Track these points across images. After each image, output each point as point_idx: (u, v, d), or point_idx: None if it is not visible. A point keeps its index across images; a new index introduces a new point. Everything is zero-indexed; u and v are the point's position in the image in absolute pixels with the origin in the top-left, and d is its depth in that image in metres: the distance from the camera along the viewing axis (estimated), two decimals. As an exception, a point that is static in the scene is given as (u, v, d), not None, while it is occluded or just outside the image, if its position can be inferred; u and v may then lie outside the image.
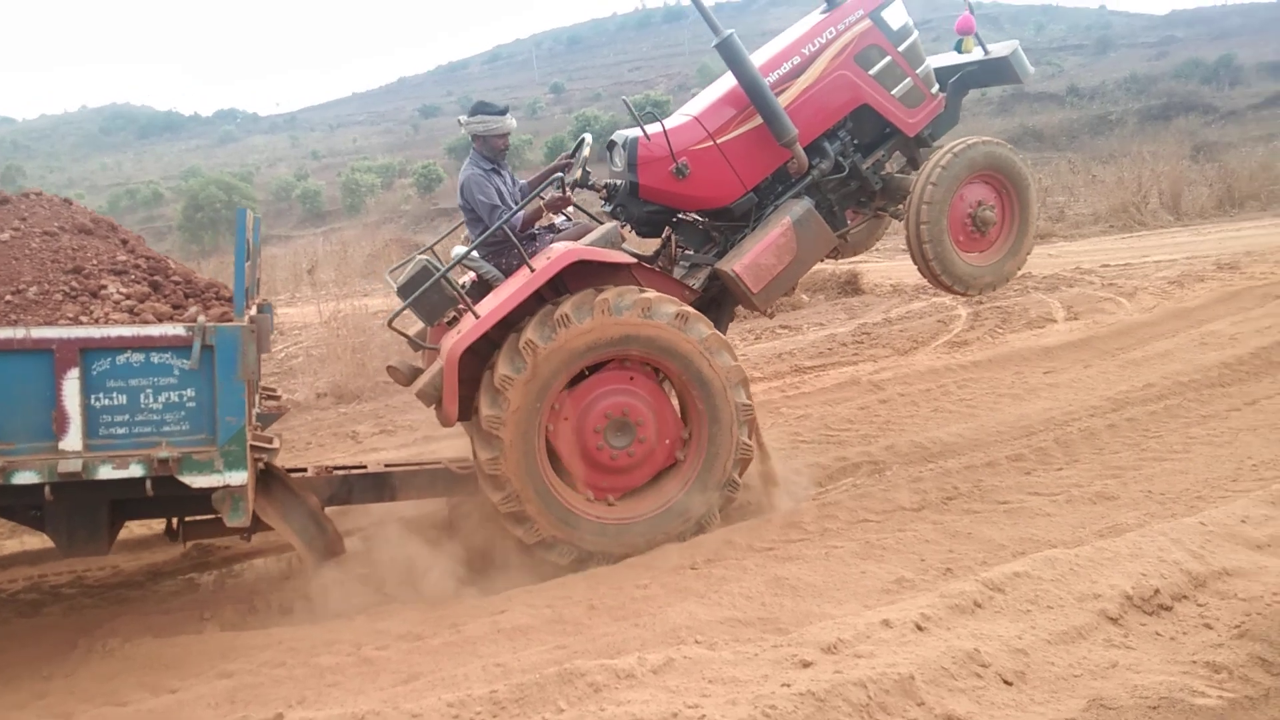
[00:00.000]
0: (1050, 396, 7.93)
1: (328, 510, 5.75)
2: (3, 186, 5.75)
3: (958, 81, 6.94)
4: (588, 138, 6.27)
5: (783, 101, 6.08)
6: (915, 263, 6.50)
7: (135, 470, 4.34)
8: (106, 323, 4.52)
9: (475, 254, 5.80)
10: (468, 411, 5.53)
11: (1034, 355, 9.23)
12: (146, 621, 5.29)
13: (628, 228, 6.33)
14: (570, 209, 6.40)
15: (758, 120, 6.08)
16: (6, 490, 4.25)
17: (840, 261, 12.59)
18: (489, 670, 4.10)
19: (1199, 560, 4.25)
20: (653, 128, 6.00)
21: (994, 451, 6.74)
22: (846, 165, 6.53)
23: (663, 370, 5.70)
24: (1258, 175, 22.15)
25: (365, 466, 6.20)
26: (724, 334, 6.05)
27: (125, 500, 5.02)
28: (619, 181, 6.22)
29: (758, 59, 6.23)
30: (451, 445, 7.19)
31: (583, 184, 6.10)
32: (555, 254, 5.46)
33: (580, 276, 5.56)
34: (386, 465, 6.26)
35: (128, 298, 4.86)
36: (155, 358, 4.37)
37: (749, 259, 5.93)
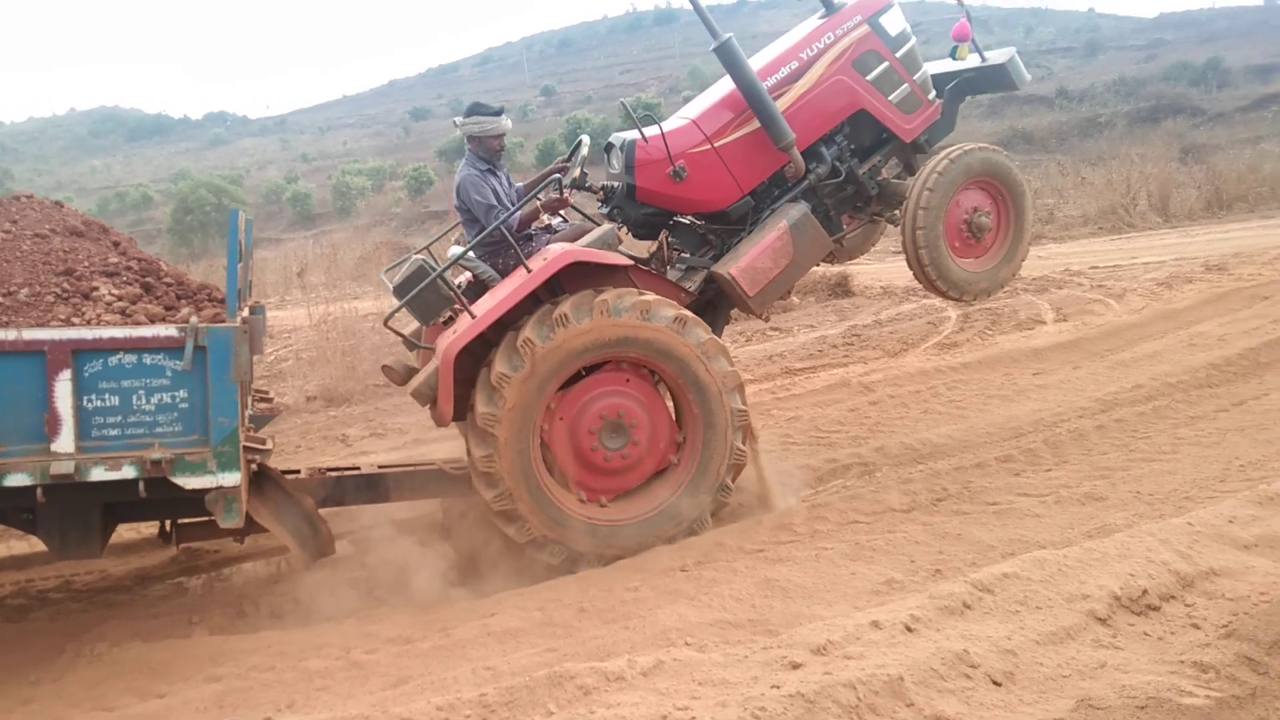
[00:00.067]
0: (1039, 398, 7.96)
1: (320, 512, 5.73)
2: (-10, 189, 5.76)
3: (954, 88, 6.97)
4: (585, 139, 6.28)
5: (780, 106, 6.10)
6: (911, 268, 6.52)
7: (128, 472, 4.33)
8: (98, 324, 4.51)
9: (471, 254, 5.80)
10: (463, 411, 5.53)
11: (1023, 357, 9.25)
12: (134, 626, 5.26)
13: (624, 230, 6.33)
14: (567, 210, 6.41)
15: (755, 124, 6.10)
16: None
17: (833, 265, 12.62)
18: (478, 673, 4.09)
19: (1187, 560, 4.26)
20: (650, 130, 6.02)
21: (983, 453, 6.75)
22: (843, 170, 6.55)
23: (659, 373, 5.70)
24: (1245, 177, 22.28)
25: (358, 468, 6.18)
26: (719, 337, 6.06)
27: (118, 503, 5.00)
28: (616, 183, 6.23)
29: (756, 63, 6.25)
30: (442, 448, 7.19)
31: (580, 185, 6.11)
32: (552, 255, 5.46)
33: (577, 278, 5.57)
34: (380, 467, 6.25)
35: (120, 299, 4.85)
36: (147, 359, 4.37)
37: (745, 262, 5.95)
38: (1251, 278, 11.93)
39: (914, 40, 6.69)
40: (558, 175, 6.14)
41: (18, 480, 4.21)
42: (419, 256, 5.74)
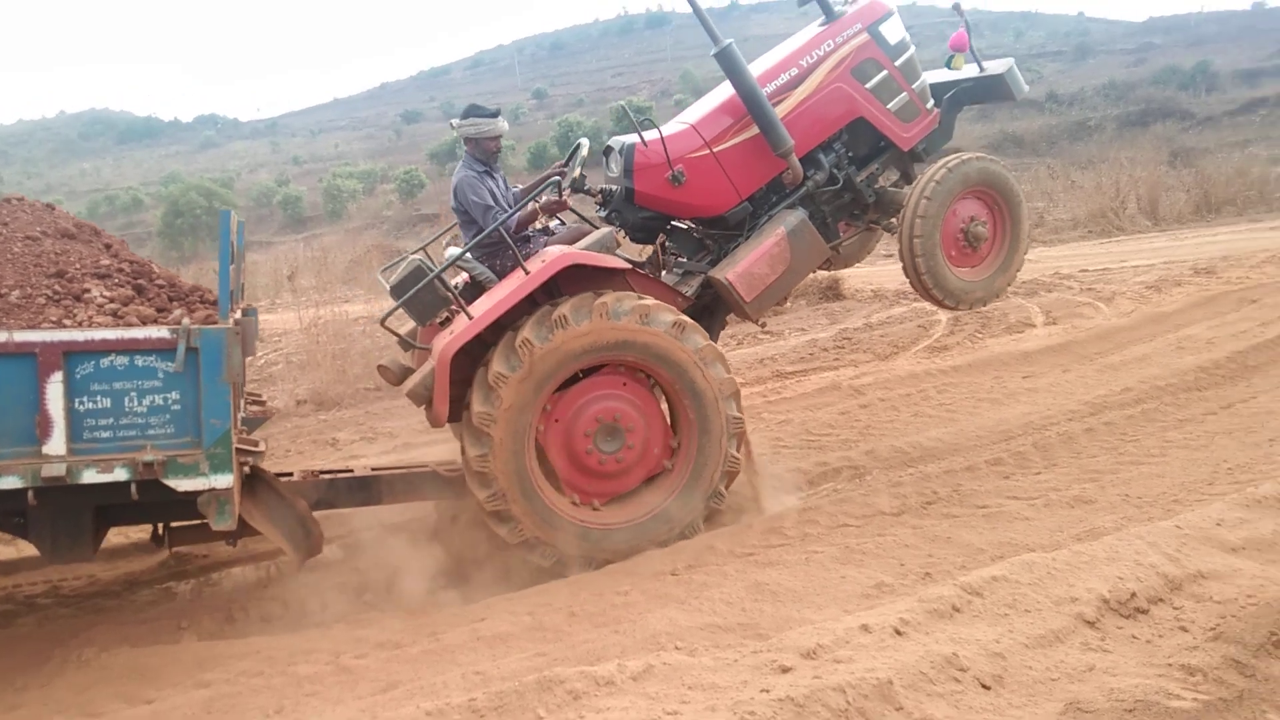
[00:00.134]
0: (1029, 401, 7.98)
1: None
2: (-22, 193, 5.74)
3: (952, 97, 7.00)
4: (584, 142, 6.29)
5: (780, 112, 6.12)
6: (907, 276, 6.55)
7: (120, 474, 4.31)
8: (90, 326, 4.49)
9: (468, 255, 5.80)
10: (458, 413, 5.52)
11: (1013, 360, 9.28)
12: (123, 631, 5.24)
13: (622, 233, 6.34)
14: (565, 212, 6.41)
15: (754, 130, 6.11)
16: None
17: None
18: (468, 678, 4.09)
19: (1175, 563, 4.28)
20: (650, 134, 6.03)
21: (973, 456, 6.77)
22: (841, 177, 6.57)
23: (655, 378, 5.71)
24: (1234, 181, 22.37)
25: (351, 470, 6.17)
26: (715, 342, 6.07)
27: (110, 506, 4.98)
28: (614, 187, 6.24)
29: (755, 69, 6.27)
30: (432, 452, 7.19)
31: (578, 188, 6.12)
32: (550, 257, 5.47)
33: (574, 280, 5.57)
34: (372, 469, 6.23)
35: (111, 301, 4.84)
36: (139, 360, 4.35)
37: (742, 267, 5.96)
38: (1240, 281, 11.99)
39: (913, 49, 6.72)
40: (557, 178, 6.14)
41: (9, 483, 4.18)
42: (416, 256, 5.74)
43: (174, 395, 4.39)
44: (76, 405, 4.28)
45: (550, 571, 5.50)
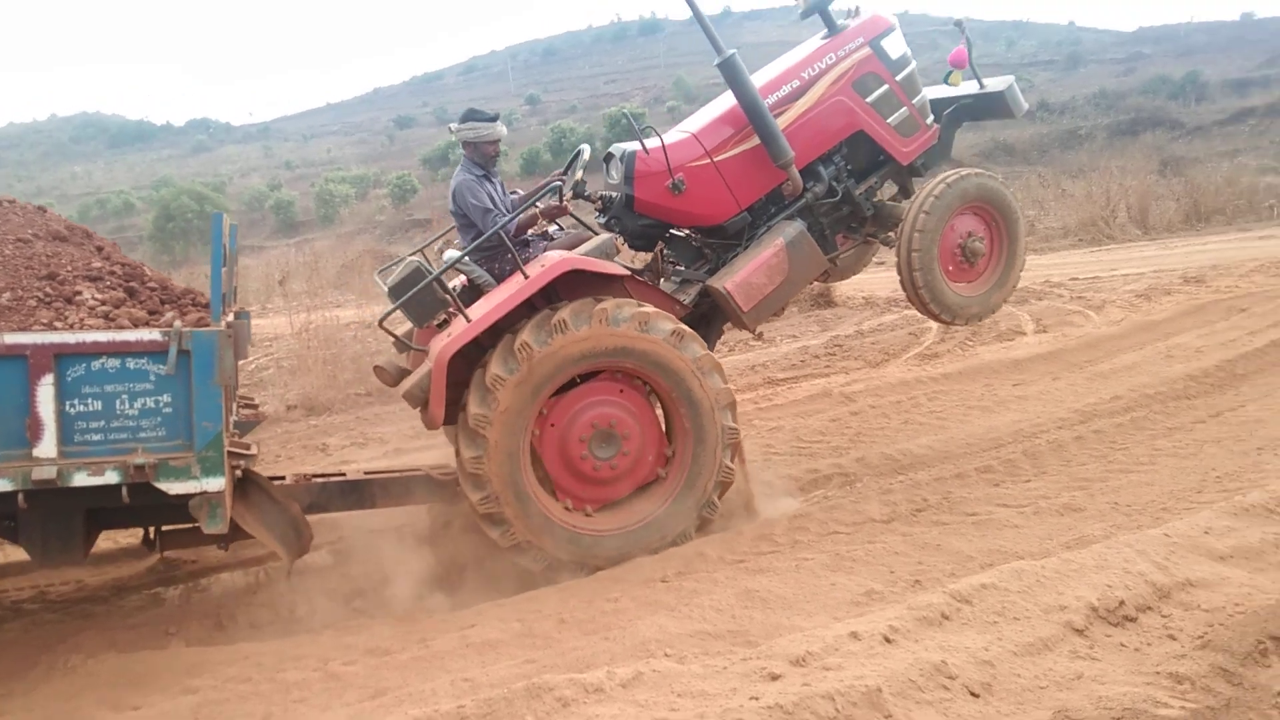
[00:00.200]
0: (1019, 409, 8.01)
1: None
2: (-31, 196, 5.71)
3: (952, 113, 7.05)
4: (586, 148, 6.32)
5: (781, 123, 6.15)
6: (905, 290, 6.58)
7: (111, 477, 4.29)
8: (81, 328, 4.48)
9: (467, 258, 5.80)
10: (453, 415, 5.51)
11: (1003, 368, 9.31)
12: (110, 637, 5.22)
13: (620, 240, 6.36)
14: (565, 218, 6.42)
15: (755, 141, 6.14)
16: None
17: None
18: (457, 685, 4.07)
19: (1163, 571, 4.29)
20: (651, 142, 6.04)
21: (963, 463, 6.79)
22: (840, 190, 6.61)
23: (652, 386, 5.71)
24: (1223, 190, 22.51)
25: (344, 474, 6.14)
26: (711, 351, 6.08)
27: (101, 509, 4.96)
28: (614, 193, 6.25)
29: (757, 80, 6.30)
30: (423, 458, 7.17)
31: (579, 193, 6.13)
32: (549, 262, 5.47)
33: (573, 286, 5.57)
34: (365, 473, 6.21)
35: (103, 303, 4.83)
36: (131, 363, 4.34)
37: (741, 277, 5.98)
38: (1229, 290, 12.06)
39: (914, 64, 6.76)
40: (558, 183, 6.16)
41: None
42: (414, 259, 5.75)
43: (166, 398, 4.38)
44: (67, 408, 4.27)
45: (540, 578, 5.48)
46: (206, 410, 4.38)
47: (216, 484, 4.41)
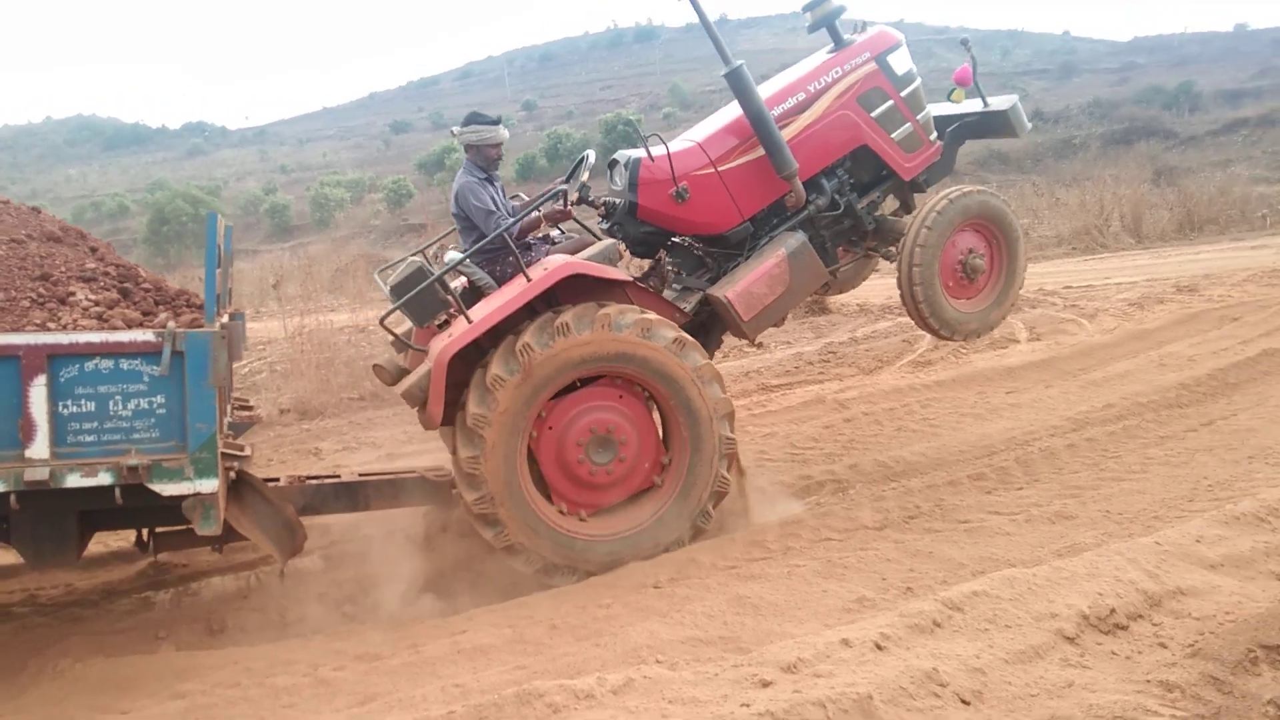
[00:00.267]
0: (1012, 416, 8.02)
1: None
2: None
3: (955, 131, 7.10)
4: (590, 153, 6.35)
5: (785, 135, 6.18)
6: (905, 304, 6.62)
7: (104, 478, 4.29)
8: (75, 329, 4.47)
9: (468, 260, 5.80)
10: (451, 416, 5.50)
11: (996, 375, 9.32)
12: (99, 641, 5.21)
13: (622, 246, 6.37)
14: (568, 223, 6.43)
15: (759, 151, 6.17)
16: None
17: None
18: (447, 691, 4.06)
19: (1154, 580, 4.30)
20: (657, 150, 6.06)
21: (956, 470, 6.79)
22: (842, 203, 6.63)
23: (651, 393, 5.72)
24: (1216, 200, 22.57)
25: (339, 476, 6.14)
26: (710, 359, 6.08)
27: (94, 511, 4.94)
28: (618, 200, 6.27)
29: (763, 91, 6.33)
30: (417, 463, 7.15)
31: (583, 199, 6.15)
32: (552, 265, 5.48)
33: (574, 290, 5.58)
34: (360, 474, 6.20)
35: (96, 304, 4.83)
36: (124, 364, 4.34)
37: (742, 287, 5.99)
38: (1221, 299, 12.09)
39: (919, 81, 6.81)
40: (564, 187, 6.18)
41: None
42: (415, 259, 5.75)
43: (159, 399, 4.38)
44: (60, 409, 4.27)
45: (532, 583, 5.48)
46: (200, 411, 4.38)
47: (210, 485, 4.41)
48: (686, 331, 5.85)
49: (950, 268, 6.60)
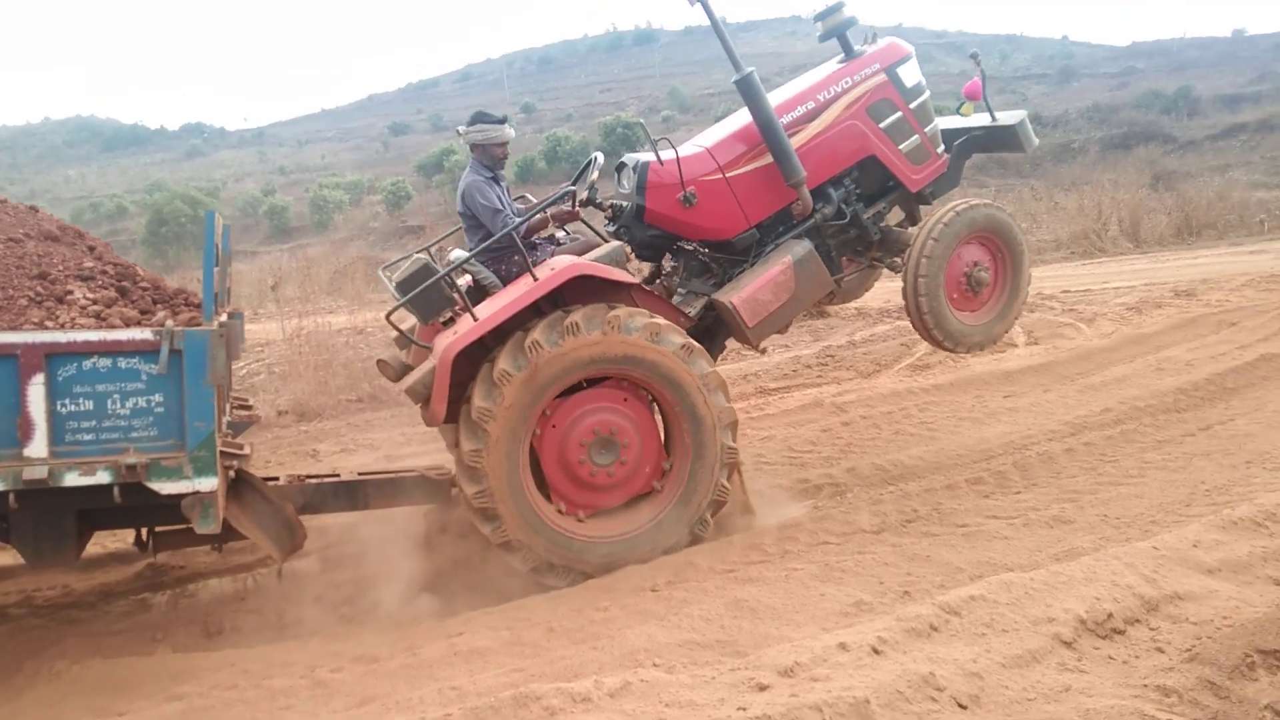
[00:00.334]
0: (1010, 420, 8.02)
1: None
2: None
3: (962, 144, 7.12)
4: (599, 156, 6.36)
5: (794, 144, 6.19)
6: (909, 315, 6.64)
7: (102, 477, 4.28)
8: (73, 328, 4.47)
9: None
10: (454, 413, 5.50)
11: (994, 379, 9.33)
12: (96, 643, 5.20)
13: (628, 249, 6.38)
14: (575, 225, 6.44)
15: (768, 159, 6.19)
16: None
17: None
18: (444, 694, 4.05)
19: (1151, 584, 4.30)
20: (666, 154, 6.07)
21: (953, 474, 6.79)
22: (848, 213, 6.65)
23: (656, 397, 5.72)
24: (1214, 204, 22.62)
25: (338, 475, 6.13)
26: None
27: (93, 510, 4.93)
28: (625, 203, 6.29)
29: (773, 99, 6.34)
30: (414, 465, 7.14)
31: (590, 201, 6.15)
32: (559, 266, 5.49)
33: (580, 291, 5.58)
34: (360, 473, 6.20)
35: (94, 303, 4.83)
36: (122, 363, 4.33)
37: (747, 293, 6.00)
38: (1219, 304, 12.11)
39: (928, 94, 6.85)
40: (573, 188, 6.20)
41: None
42: (421, 255, 5.76)
43: (157, 397, 4.37)
44: (58, 407, 4.26)
45: (530, 586, 5.47)
46: (199, 410, 4.37)
47: (209, 484, 4.40)
48: (690, 336, 5.86)
49: (955, 280, 6.63)
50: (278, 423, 10.13)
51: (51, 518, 4.82)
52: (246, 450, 5.12)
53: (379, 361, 6.23)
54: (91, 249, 5.49)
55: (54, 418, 4.24)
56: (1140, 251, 19.98)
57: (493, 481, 5.31)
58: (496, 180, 6.04)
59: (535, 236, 6.13)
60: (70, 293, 4.84)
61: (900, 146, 6.66)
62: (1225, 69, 62.13)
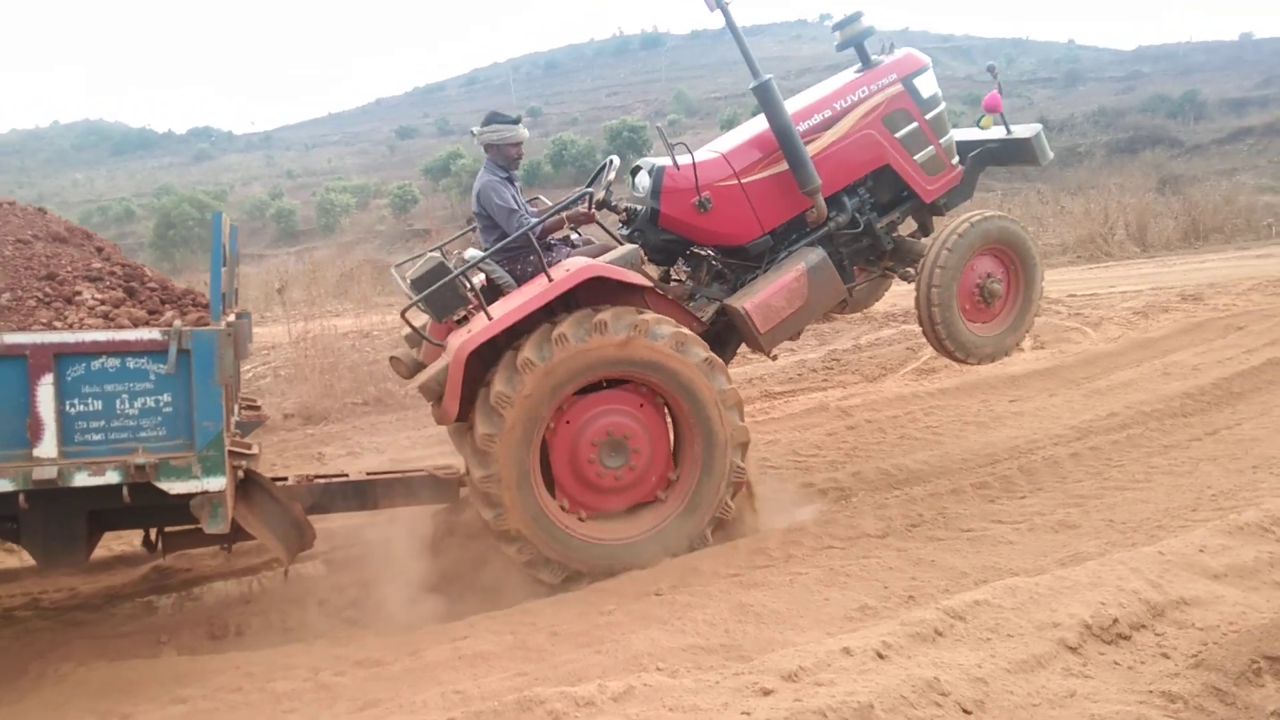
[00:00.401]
0: (1015, 424, 8.01)
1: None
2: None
3: (976, 156, 7.16)
4: (615, 159, 6.39)
5: (810, 151, 6.20)
6: (922, 325, 6.67)
7: (111, 477, 4.29)
8: (81, 328, 4.48)
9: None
10: (465, 413, 5.50)
11: (1000, 383, 9.30)
12: (101, 645, 5.20)
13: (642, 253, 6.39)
14: (588, 226, 6.45)
15: (783, 166, 6.21)
16: None
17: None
18: (448, 698, 4.05)
19: (1157, 590, 4.29)
20: (683, 158, 6.08)
21: (959, 479, 6.78)
22: (862, 222, 6.66)
23: (671, 406, 5.73)
24: (1221, 208, 22.52)
25: (346, 475, 6.13)
26: None
27: (103, 510, 4.93)
28: (639, 206, 6.30)
29: (790, 107, 6.35)
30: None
31: (604, 203, 6.16)
32: (575, 268, 5.49)
33: (594, 293, 5.59)
34: (368, 473, 6.20)
35: (103, 303, 4.84)
36: (131, 363, 4.34)
37: (760, 299, 6.02)
38: (1226, 308, 12.07)
39: (944, 105, 6.87)
40: (590, 190, 6.22)
41: (0, 486, 4.17)
42: (435, 254, 5.77)
43: (166, 397, 4.38)
44: (68, 407, 4.28)
45: (534, 590, 5.47)
46: (207, 409, 4.38)
47: (218, 483, 4.41)
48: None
49: (968, 291, 6.66)
50: (283, 426, 10.14)
51: (61, 518, 4.83)
52: (255, 450, 5.13)
53: (392, 358, 6.25)
54: (100, 250, 5.51)
55: (63, 418, 4.25)
56: (1147, 256, 19.92)
57: (502, 468, 5.31)
58: (511, 181, 6.06)
59: (550, 237, 6.14)
60: (79, 293, 4.86)
61: (915, 157, 6.69)
62: (1232, 73, 61.98)
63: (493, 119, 6.08)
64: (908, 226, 7.33)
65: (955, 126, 7.22)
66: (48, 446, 4.22)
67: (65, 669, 4.74)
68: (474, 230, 6.55)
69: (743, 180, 6.22)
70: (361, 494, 5.91)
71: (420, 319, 6.08)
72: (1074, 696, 3.59)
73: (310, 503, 5.72)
